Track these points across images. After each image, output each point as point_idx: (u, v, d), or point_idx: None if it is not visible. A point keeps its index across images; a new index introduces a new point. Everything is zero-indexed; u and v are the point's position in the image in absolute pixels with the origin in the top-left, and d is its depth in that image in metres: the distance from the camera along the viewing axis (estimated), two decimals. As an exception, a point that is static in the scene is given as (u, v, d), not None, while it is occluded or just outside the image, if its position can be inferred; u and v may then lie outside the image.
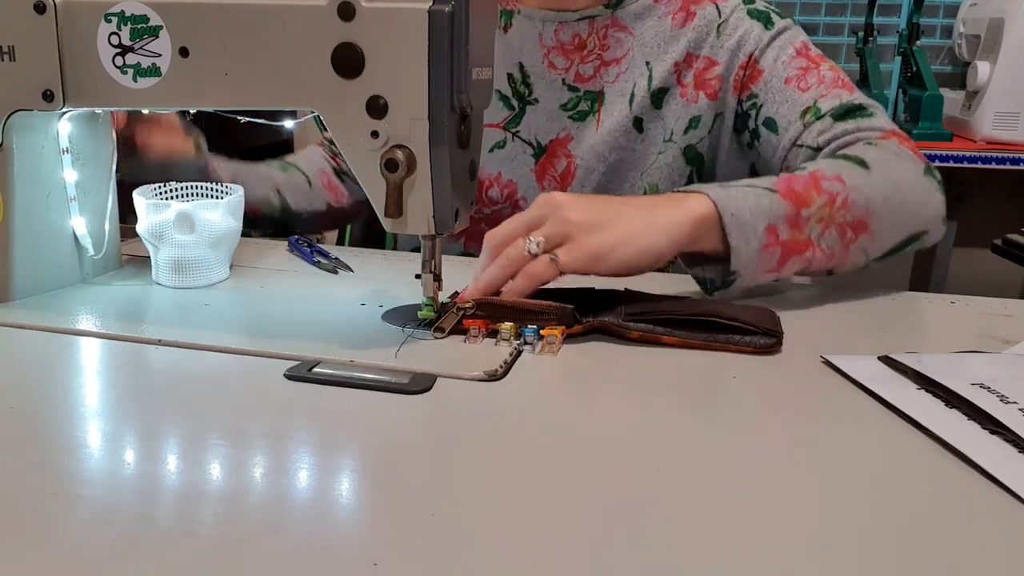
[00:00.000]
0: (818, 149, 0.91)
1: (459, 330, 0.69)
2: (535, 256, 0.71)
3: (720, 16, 0.99)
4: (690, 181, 1.02)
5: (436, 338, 0.68)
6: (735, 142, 1.01)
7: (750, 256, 0.75)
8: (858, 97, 0.94)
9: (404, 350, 0.66)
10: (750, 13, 0.98)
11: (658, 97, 0.99)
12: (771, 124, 0.96)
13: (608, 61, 1.00)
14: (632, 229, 0.71)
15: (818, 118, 0.92)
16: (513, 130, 1.04)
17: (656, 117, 1.00)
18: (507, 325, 0.68)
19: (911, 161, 0.86)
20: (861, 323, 0.76)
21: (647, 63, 1.00)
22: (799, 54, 0.96)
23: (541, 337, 0.67)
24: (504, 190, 1.05)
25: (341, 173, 1.18)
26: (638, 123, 1.00)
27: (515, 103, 1.04)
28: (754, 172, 1.01)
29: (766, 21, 0.98)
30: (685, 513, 0.45)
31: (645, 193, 1.01)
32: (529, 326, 0.67)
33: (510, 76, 1.03)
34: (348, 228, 1.38)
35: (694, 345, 0.67)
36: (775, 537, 0.43)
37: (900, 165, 0.84)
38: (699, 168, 1.01)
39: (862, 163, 0.82)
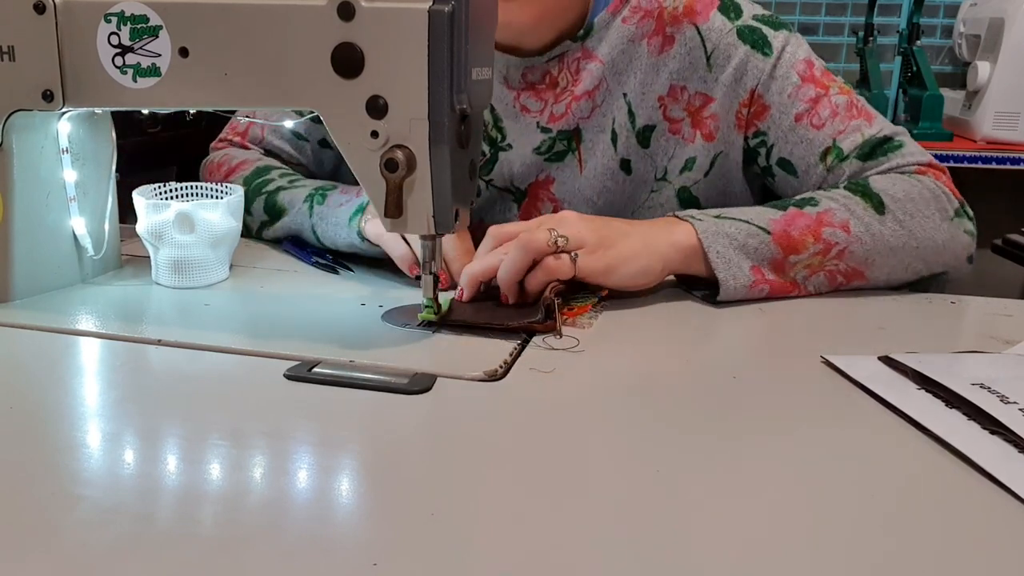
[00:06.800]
0: None
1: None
2: (558, 250, 0.72)
3: (704, 42, 0.90)
4: None
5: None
6: (746, 174, 0.95)
7: (738, 290, 0.78)
8: (880, 126, 0.88)
9: (405, 349, 0.66)
10: (740, 35, 0.89)
11: (645, 136, 0.93)
12: (787, 166, 0.90)
13: (579, 95, 0.93)
14: (634, 250, 0.76)
15: (842, 160, 0.87)
16: (486, 178, 0.97)
17: (644, 156, 0.94)
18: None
19: (944, 202, 0.83)
20: (861, 323, 0.76)
21: (624, 95, 0.92)
22: (804, 80, 0.88)
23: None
24: None
25: None
26: (625, 165, 0.94)
27: (487, 149, 0.96)
28: (765, 190, 0.96)
29: (762, 45, 0.89)
30: (684, 513, 0.45)
31: None
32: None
33: None
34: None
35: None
36: (775, 537, 0.43)
37: (924, 209, 0.82)
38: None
39: (880, 206, 0.81)
